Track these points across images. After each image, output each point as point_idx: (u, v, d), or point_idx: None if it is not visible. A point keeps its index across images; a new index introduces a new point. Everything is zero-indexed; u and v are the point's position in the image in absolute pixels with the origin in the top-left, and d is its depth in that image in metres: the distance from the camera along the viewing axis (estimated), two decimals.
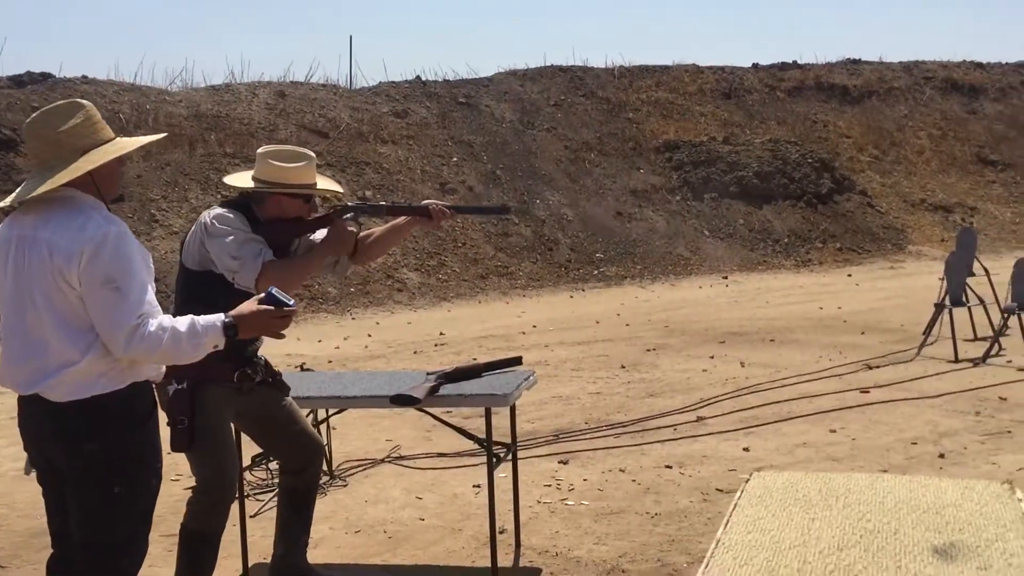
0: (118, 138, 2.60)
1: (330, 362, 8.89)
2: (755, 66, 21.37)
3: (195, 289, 3.36)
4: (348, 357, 9.26)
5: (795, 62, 21.72)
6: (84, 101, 2.58)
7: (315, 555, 4.09)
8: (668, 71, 20.34)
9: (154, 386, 2.71)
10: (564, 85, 18.93)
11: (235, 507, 4.19)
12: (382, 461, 5.75)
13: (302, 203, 3.51)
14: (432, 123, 16.78)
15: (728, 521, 2.18)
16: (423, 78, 18.18)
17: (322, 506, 4.93)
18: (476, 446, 5.53)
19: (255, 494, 5.04)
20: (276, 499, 4.88)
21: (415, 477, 5.44)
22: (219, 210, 3.41)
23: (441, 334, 10.30)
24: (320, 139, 15.29)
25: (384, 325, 11.18)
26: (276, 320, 2.60)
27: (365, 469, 5.62)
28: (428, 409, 4.26)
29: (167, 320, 2.50)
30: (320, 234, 3.62)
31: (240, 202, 3.50)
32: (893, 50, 50.24)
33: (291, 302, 2.60)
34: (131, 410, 2.54)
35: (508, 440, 4.22)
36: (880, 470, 5.18)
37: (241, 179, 3.60)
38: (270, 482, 5.24)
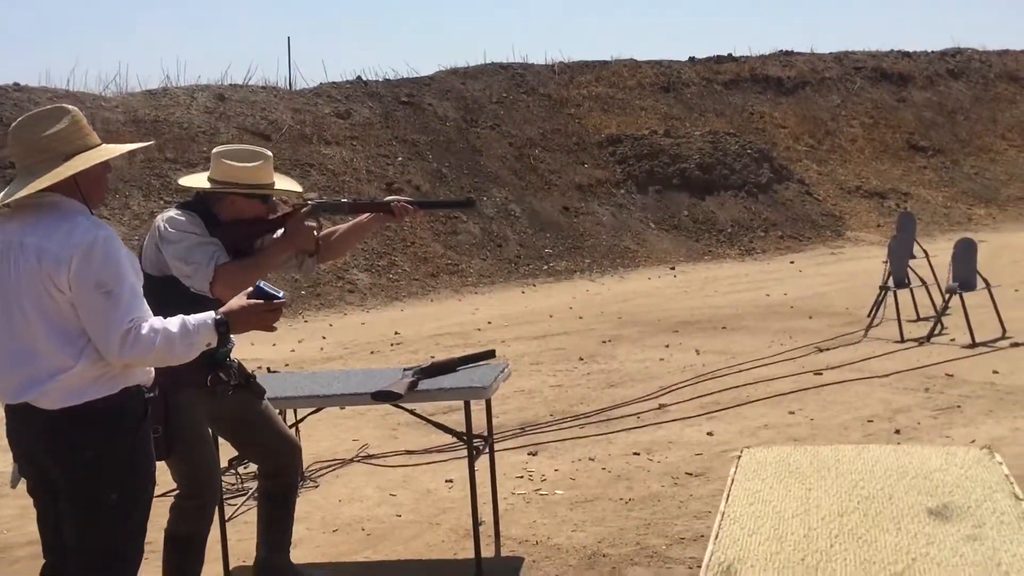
0: (103, 144, 2.58)
1: (287, 365, 8.82)
2: (692, 59, 21.68)
3: (158, 294, 3.32)
4: (305, 360, 9.20)
5: (730, 55, 22.08)
6: (70, 107, 2.56)
7: (295, 555, 4.07)
8: (607, 66, 20.53)
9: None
10: (505, 82, 18.99)
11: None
12: (351, 461, 5.74)
13: (259, 203, 3.46)
14: (375, 123, 16.71)
15: (729, 495, 2.26)
16: (364, 78, 18.08)
17: (296, 507, 4.91)
18: (445, 442, 5.60)
19: (227, 498, 4.99)
20: (252, 502, 4.86)
21: (386, 475, 5.45)
22: (172, 212, 3.37)
23: (396, 333, 10.29)
24: (263, 142, 15.09)
25: (337, 327, 11.13)
26: (267, 313, 2.60)
27: (335, 469, 5.61)
28: (404, 406, 4.29)
29: (158, 322, 2.49)
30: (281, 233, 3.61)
31: (197, 203, 3.45)
32: (824, 41, 51.38)
33: (280, 294, 2.61)
34: (125, 416, 2.53)
35: (484, 433, 4.26)
36: None
37: (196, 180, 3.56)
38: (239, 486, 5.21)
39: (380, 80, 18.16)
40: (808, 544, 1.92)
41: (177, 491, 3.45)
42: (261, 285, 2.61)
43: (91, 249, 2.41)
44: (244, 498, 4.99)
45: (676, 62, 21.32)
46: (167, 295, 3.24)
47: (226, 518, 4.56)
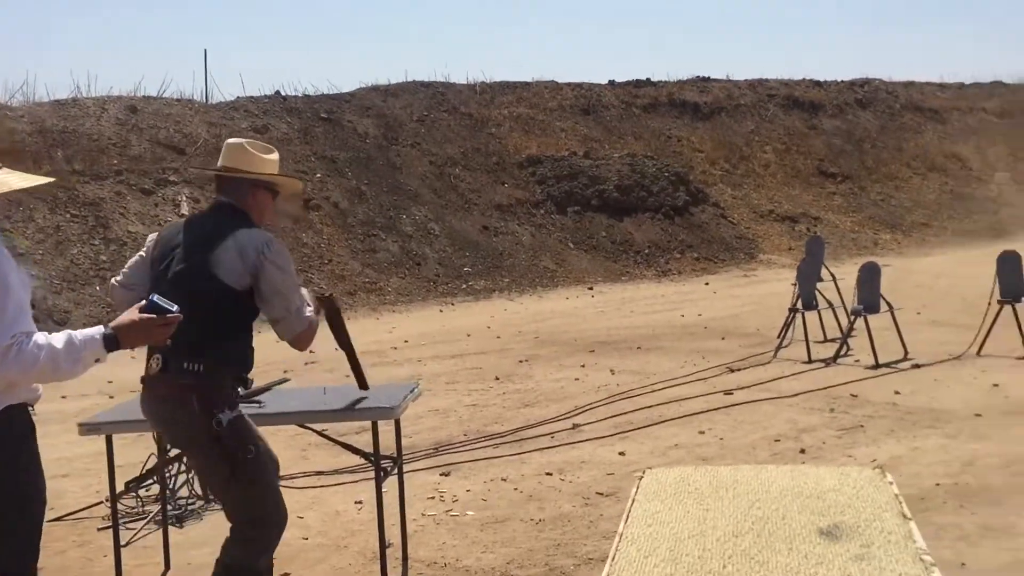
0: (3, 167, 2.48)
1: None
2: (611, 83, 22.01)
3: (228, 308, 3.09)
4: None
5: (649, 79, 22.49)
6: None
7: None
8: (528, 87, 20.70)
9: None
10: (427, 101, 18.98)
11: (109, 536, 4.03)
12: None
13: (272, 200, 3.33)
14: (294, 139, 16.50)
15: (628, 516, 2.26)
16: (283, 93, 17.86)
17: (200, 530, 4.78)
18: (355, 462, 5.52)
19: (126, 522, 4.83)
20: (153, 526, 4.71)
21: (295, 496, 5.33)
22: (271, 236, 3.15)
23: (311, 352, 10.11)
24: (176, 155, 14.80)
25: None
26: (159, 328, 2.52)
27: None
28: (313, 427, 4.23)
29: (43, 338, 2.40)
30: None
31: (245, 216, 3.20)
32: (739, 69, 52.74)
33: (174, 308, 2.52)
34: (8, 434, 2.42)
35: (393, 453, 4.22)
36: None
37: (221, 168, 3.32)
38: (140, 509, 5.05)
39: (299, 95, 17.97)
40: (702, 565, 1.93)
41: (236, 520, 3.19)
42: (154, 299, 2.52)
43: None
44: (144, 522, 4.83)
45: (596, 85, 21.62)
46: (235, 309, 3.09)
47: (123, 543, 4.41)
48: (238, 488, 3.10)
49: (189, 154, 14.84)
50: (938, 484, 4.95)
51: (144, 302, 2.51)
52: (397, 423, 4.15)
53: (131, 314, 2.50)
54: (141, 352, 3.07)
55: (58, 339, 2.39)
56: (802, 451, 5.75)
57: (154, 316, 2.49)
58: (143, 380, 3.16)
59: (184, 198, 13.80)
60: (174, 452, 4.70)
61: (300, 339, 3.14)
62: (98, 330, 2.45)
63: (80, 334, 2.42)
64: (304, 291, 3.35)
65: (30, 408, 2.52)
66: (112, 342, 2.43)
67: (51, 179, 2.88)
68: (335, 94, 18.34)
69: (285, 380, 4.61)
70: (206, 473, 3.23)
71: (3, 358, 2.31)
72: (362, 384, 3.84)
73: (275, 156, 3.33)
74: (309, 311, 3.16)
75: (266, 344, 3.36)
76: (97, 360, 2.44)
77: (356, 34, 54.65)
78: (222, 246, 3.07)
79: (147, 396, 3.17)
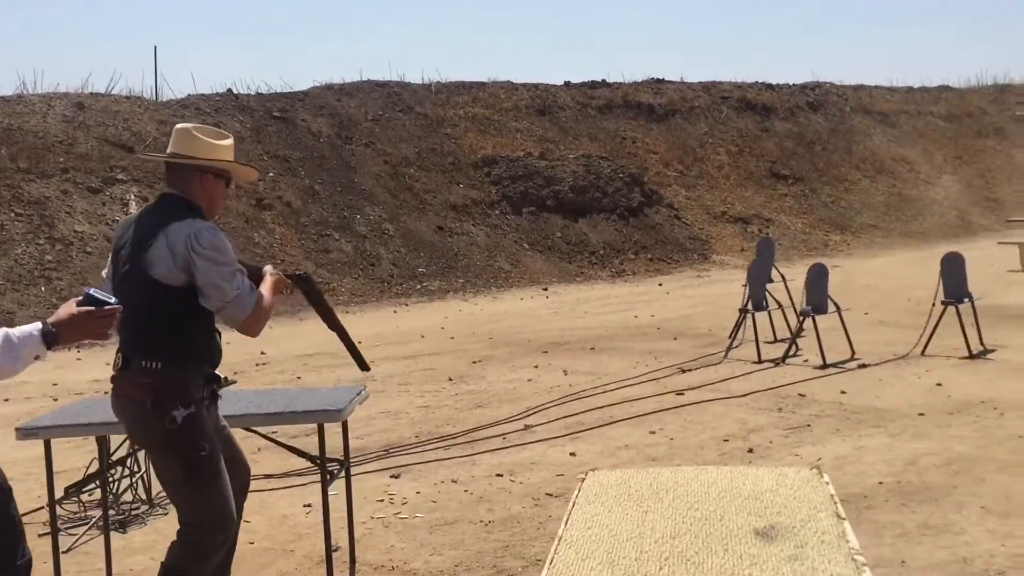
0: None
1: None
2: (567, 84, 22.07)
3: (176, 306, 3.02)
4: None
5: (604, 80, 22.59)
6: None
7: None
8: (484, 87, 20.68)
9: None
10: (382, 100, 18.89)
11: (48, 543, 3.95)
12: None
13: (224, 186, 3.22)
14: (246, 137, 16.32)
15: (568, 519, 2.27)
16: (235, 91, 17.67)
17: (144, 535, 4.71)
18: (304, 465, 5.47)
19: (68, 528, 4.74)
20: (95, 531, 4.62)
21: None
22: (203, 224, 3.04)
23: (262, 353, 10.02)
24: (125, 153, 14.56)
25: None
26: (99, 321, 2.46)
27: None
28: (260, 431, 4.19)
29: None
30: None
31: (190, 205, 3.11)
32: (693, 71, 53.26)
33: (112, 300, 2.47)
34: None
35: (340, 456, 4.19)
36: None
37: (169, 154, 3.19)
38: (82, 515, 4.96)
39: (252, 94, 17.79)
40: (638, 568, 1.94)
41: (183, 521, 3.12)
42: (91, 292, 2.47)
43: None
44: (86, 527, 4.75)
45: (552, 86, 21.67)
46: (182, 304, 3.02)
47: (64, 550, 4.33)
48: (189, 490, 3.07)
49: (138, 152, 14.62)
50: (881, 483, 5.04)
51: (82, 296, 2.46)
52: (344, 425, 4.12)
53: (68, 308, 2.45)
54: (86, 354, 3.04)
55: None
56: (750, 451, 5.82)
57: (92, 309, 2.44)
58: (111, 379, 3.12)
59: (133, 196, 13.58)
60: (118, 456, 4.65)
61: (246, 326, 3.07)
62: (36, 326, 2.39)
63: (18, 331, 2.37)
64: (269, 268, 3.32)
65: None
66: (51, 337, 2.38)
67: None
68: (288, 92, 18.18)
69: (231, 383, 4.56)
70: (161, 473, 3.19)
71: None
72: (362, 365, 3.76)
73: (228, 142, 3.23)
74: (251, 297, 3.06)
75: None
76: (37, 357, 2.39)
77: (310, 32, 54.21)
78: (154, 245, 3.00)
79: (113, 394, 3.13)
